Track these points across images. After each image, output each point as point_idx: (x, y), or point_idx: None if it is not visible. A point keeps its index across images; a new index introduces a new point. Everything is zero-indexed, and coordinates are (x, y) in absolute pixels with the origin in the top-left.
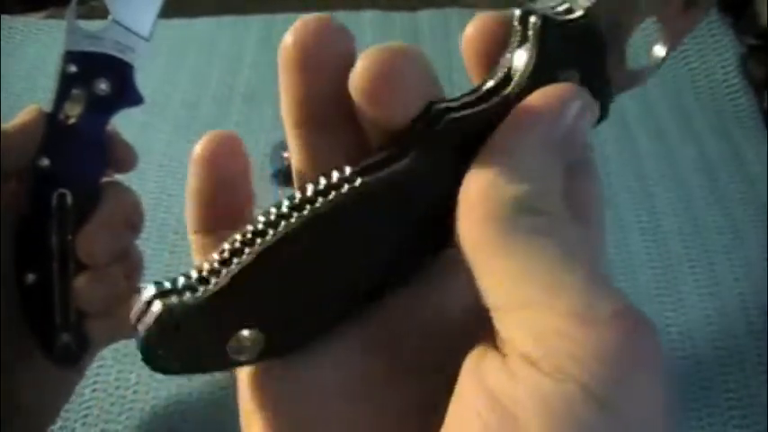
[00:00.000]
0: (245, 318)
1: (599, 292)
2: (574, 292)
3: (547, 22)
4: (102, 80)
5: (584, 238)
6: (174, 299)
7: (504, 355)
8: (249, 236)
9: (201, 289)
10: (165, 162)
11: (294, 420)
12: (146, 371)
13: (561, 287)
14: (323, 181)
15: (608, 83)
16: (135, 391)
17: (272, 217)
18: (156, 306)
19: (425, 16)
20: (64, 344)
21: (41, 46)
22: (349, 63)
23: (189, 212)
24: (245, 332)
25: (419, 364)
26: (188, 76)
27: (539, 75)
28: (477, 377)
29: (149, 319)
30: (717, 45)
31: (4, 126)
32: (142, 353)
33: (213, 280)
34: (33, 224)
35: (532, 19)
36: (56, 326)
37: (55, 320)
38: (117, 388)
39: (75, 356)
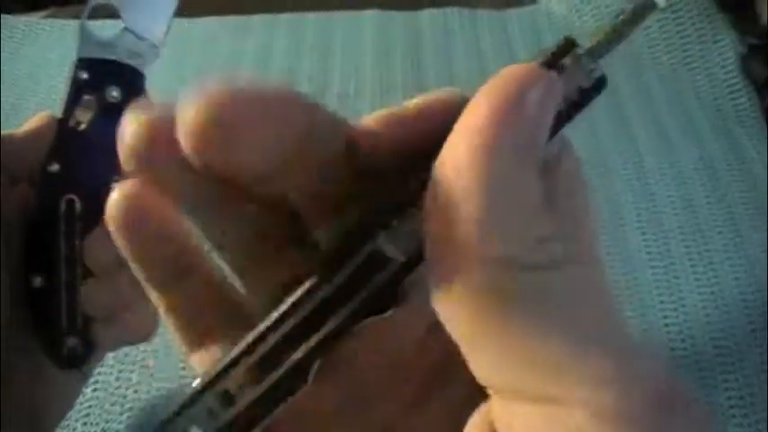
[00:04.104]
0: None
1: (628, 367)
2: (592, 375)
3: None
4: (113, 87)
5: (593, 274)
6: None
7: None
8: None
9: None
10: None
11: None
12: (146, 371)
13: (573, 369)
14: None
15: None
16: (136, 391)
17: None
18: None
19: (426, 16)
20: (70, 348)
21: (42, 46)
22: None
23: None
24: None
25: (375, 393)
26: (188, 77)
27: None
28: None
29: None
30: (717, 45)
31: (15, 131)
32: None
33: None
34: (42, 228)
35: None
36: (62, 330)
37: (61, 324)
38: (117, 388)
39: (80, 360)
